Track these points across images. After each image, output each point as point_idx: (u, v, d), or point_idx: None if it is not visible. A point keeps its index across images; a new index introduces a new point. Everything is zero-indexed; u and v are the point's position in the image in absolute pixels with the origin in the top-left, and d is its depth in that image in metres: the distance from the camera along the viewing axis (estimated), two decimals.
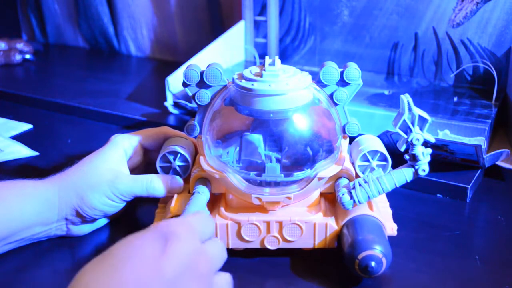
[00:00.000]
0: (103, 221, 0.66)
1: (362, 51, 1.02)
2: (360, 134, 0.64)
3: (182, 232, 0.45)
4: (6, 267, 0.60)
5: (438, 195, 0.74)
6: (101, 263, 0.42)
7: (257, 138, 0.59)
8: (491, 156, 0.75)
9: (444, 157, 0.77)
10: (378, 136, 0.72)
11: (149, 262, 0.42)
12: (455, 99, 0.90)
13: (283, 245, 0.59)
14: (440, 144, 0.75)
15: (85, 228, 0.64)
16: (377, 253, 0.54)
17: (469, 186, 0.72)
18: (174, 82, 0.97)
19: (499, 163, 0.78)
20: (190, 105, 0.95)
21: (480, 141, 0.76)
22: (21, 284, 0.58)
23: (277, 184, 0.58)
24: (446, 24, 0.94)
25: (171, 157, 0.63)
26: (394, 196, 0.65)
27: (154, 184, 0.62)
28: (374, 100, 0.89)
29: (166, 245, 0.43)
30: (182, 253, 0.43)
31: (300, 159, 0.59)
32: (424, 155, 0.56)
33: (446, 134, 0.79)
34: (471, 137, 0.78)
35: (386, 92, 0.93)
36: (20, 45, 1.30)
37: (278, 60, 0.58)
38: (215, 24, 1.21)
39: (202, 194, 0.59)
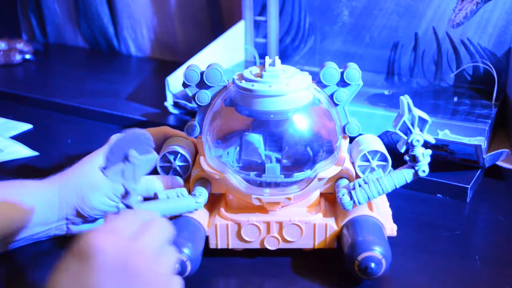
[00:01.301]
0: (103, 221, 0.66)
1: (362, 51, 1.02)
2: (360, 134, 0.63)
3: (101, 242, 0.43)
4: (6, 267, 0.60)
5: (438, 195, 0.74)
6: None
7: (257, 139, 0.59)
8: (491, 156, 0.75)
9: (444, 157, 0.77)
10: (378, 136, 0.72)
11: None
12: (455, 99, 0.90)
13: (283, 245, 0.59)
14: (440, 144, 0.75)
15: (85, 228, 0.64)
16: (376, 254, 0.54)
17: (469, 186, 0.72)
18: (174, 82, 0.97)
19: (499, 163, 0.79)
20: (190, 105, 0.95)
21: (480, 141, 0.76)
22: (21, 284, 0.58)
23: (277, 184, 0.58)
24: (446, 24, 0.94)
25: (171, 157, 0.63)
26: (394, 196, 0.65)
27: (154, 185, 0.61)
28: (374, 100, 0.89)
29: (88, 262, 0.42)
30: (106, 263, 0.42)
31: (300, 159, 0.59)
32: (424, 156, 0.56)
33: (446, 134, 0.79)
34: (471, 137, 0.78)
35: (386, 92, 0.93)
36: (20, 45, 1.29)
37: (278, 61, 0.58)
38: (215, 24, 1.21)
39: (163, 201, 0.57)
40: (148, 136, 0.51)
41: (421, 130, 0.56)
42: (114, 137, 0.52)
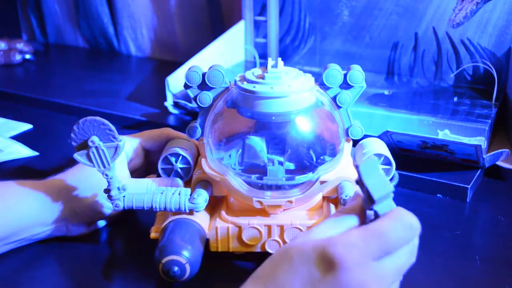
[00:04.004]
0: (102, 222, 0.66)
1: (362, 51, 1.02)
2: (365, 137, 0.63)
3: (351, 260, 0.40)
4: (6, 267, 0.60)
5: (438, 195, 0.74)
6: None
7: (259, 141, 0.59)
8: (491, 156, 0.75)
9: (444, 157, 0.77)
10: (378, 136, 0.73)
11: None
12: (455, 99, 0.90)
13: None
14: (440, 144, 0.75)
15: (85, 229, 0.64)
16: None
17: (469, 186, 0.72)
18: (174, 82, 0.97)
19: (499, 163, 0.79)
20: (190, 105, 0.95)
21: (480, 141, 0.77)
22: (21, 284, 0.58)
23: (278, 187, 0.57)
24: (446, 24, 0.94)
25: (172, 159, 0.63)
26: (394, 196, 0.65)
27: (155, 187, 0.61)
28: (374, 100, 0.89)
29: (327, 274, 0.40)
30: (343, 287, 0.40)
31: (302, 162, 0.58)
32: None
33: (446, 134, 0.79)
34: (471, 137, 0.78)
35: (386, 92, 0.93)
36: (20, 45, 1.29)
37: (280, 62, 0.57)
38: (215, 24, 1.21)
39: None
40: (109, 125, 0.55)
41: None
42: (80, 121, 0.54)
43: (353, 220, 0.45)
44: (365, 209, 0.45)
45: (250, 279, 0.44)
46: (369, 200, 0.44)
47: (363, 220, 0.45)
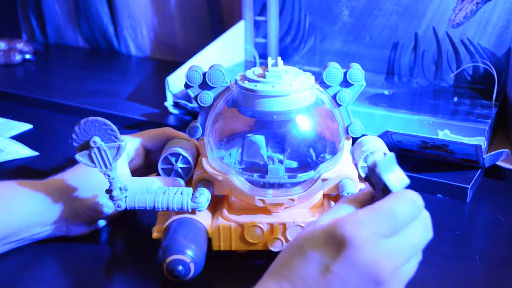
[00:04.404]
0: (103, 222, 0.66)
1: (362, 51, 1.02)
2: (363, 135, 0.63)
3: (360, 238, 0.41)
4: (6, 267, 0.60)
5: (438, 195, 0.74)
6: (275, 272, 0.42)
7: (260, 140, 0.59)
8: (491, 156, 0.75)
9: (444, 157, 0.77)
10: (378, 136, 0.72)
11: (315, 276, 0.40)
12: (455, 99, 0.90)
13: None
14: (440, 144, 0.75)
15: (85, 229, 0.64)
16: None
17: (469, 186, 0.72)
18: (174, 82, 0.97)
19: (499, 163, 0.79)
20: (190, 105, 0.95)
21: (480, 141, 0.77)
22: (21, 284, 0.58)
23: (280, 185, 0.58)
24: (446, 24, 0.94)
25: (173, 159, 0.63)
26: None
27: (155, 187, 0.61)
28: (374, 100, 0.89)
29: (338, 254, 0.41)
30: (356, 265, 0.40)
31: (303, 160, 0.59)
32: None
33: (446, 134, 0.79)
34: (471, 137, 0.78)
35: (386, 92, 0.93)
36: (20, 45, 1.30)
37: (281, 61, 0.57)
38: (215, 24, 1.21)
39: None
40: (110, 125, 0.55)
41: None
42: (82, 121, 0.54)
43: (357, 207, 0.46)
44: (375, 200, 0.46)
45: (266, 274, 0.45)
46: (383, 193, 0.46)
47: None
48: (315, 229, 0.43)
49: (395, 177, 0.46)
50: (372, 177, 0.47)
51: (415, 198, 0.45)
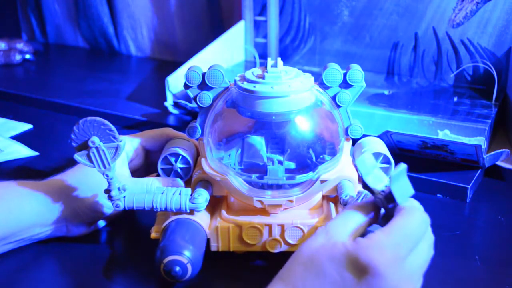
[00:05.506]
0: (103, 222, 0.66)
1: (362, 51, 1.02)
2: (363, 136, 0.63)
3: (384, 264, 0.42)
4: (6, 267, 0.60)
5: (438, 195, 0.74)
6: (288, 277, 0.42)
7: (259, 141, 0.59)
8: (491, 156, 0.75)
9: (444, 157, 0.77)
10: (378, 136, 0.72)
11: None
12: (455, 99, 0.90)
13: (285, 248, 0.59)
14: (440, 144, 0.75)
15: (85, 229, 0.64)
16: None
17: (469, 186, 0.72)
18: (174, 82, 0.97)
19: (499, 163, 0.79)
20: (190, 105, 0.95)
21: (480, 141, 0.77)
22: (21, 284, 0.58)
23: (279, 187, 0.57)
24: (446, 24, 0.94)
25: (172, 159, 0.63)
26: None
27: (155, 186, 0.61)
28: (374, 100, 0.89)
29: (361, 279, 0.41)
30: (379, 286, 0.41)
31: (302, 161, 0.59)
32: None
33: (446, 134, 0.79)
34: (471, 137, 0.78)
35: (386, 92, 0.93)
36: (20, 45, 1.30)
37: (280, 62, 0.57)
38: (215, 24, 1.21)
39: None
40: (109, 125, 0.55)
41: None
42: (80, 121, 0.54)
43: (365, 214, 0.47)
44: (381, 207, 0.47)
45: (276, 280, 0.45)
46: (386, 200, 0.47)
47: (377, 214, 0.47)
48: (334, 245, 0.43)
49: (403, 188, 0.46)
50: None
51: (425, 217, 0.46)
